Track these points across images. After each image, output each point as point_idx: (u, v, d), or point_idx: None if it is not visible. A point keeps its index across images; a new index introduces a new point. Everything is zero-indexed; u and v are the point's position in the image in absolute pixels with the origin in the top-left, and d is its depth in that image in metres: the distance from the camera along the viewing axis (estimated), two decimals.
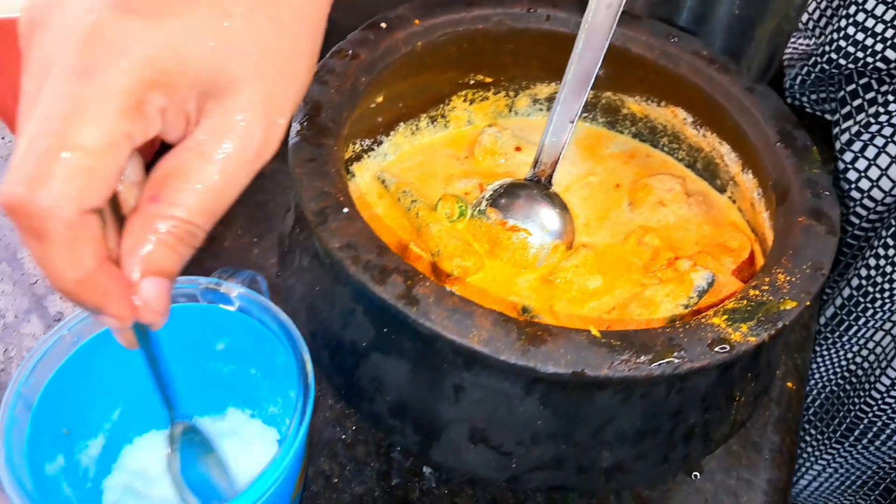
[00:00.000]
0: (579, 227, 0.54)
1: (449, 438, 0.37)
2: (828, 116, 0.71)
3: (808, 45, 0.71)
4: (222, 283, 0.38)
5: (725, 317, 0.35)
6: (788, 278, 0.37)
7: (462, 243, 0.50)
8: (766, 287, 0.36)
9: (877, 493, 0.72)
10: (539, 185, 0.52)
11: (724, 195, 0.55)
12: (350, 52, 0.47)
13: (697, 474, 0.49)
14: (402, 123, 0.57)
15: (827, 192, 0.42)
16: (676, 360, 0.32)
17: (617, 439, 0.36)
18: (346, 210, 0.36)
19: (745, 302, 0.36)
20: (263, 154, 0.29)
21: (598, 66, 0.51)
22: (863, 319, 0.65)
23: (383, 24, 0.50)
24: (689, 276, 0.46)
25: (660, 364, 0.32)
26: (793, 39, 0.73)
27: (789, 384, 0.54)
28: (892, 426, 0.65)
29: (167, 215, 0.28)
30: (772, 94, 0.49)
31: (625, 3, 0.48)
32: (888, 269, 0.61)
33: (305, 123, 0.41)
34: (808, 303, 0.36)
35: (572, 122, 0.52)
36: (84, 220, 0.26)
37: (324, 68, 0.45)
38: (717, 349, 0.33)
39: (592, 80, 0.51)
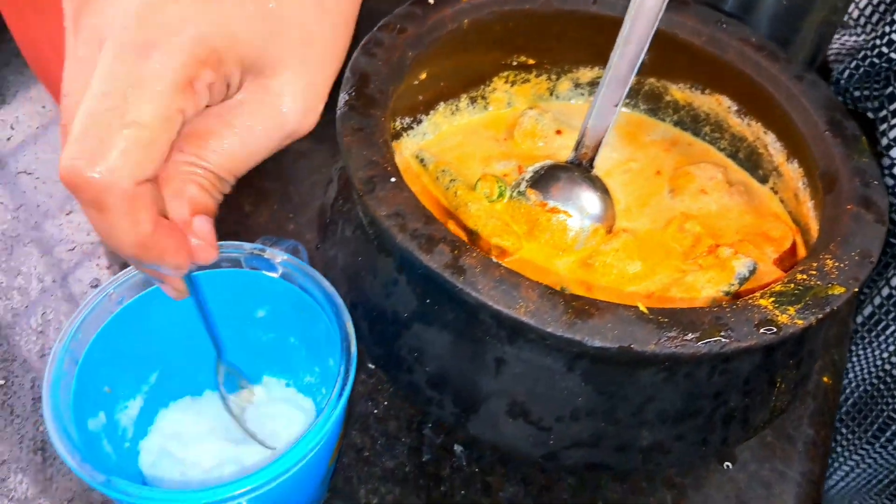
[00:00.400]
0: (620, 212, 0.53)
1: (487, 412, 0.37)
2: (870, 115, 0.70)
3: (854, 41, 0.70)
4: (267, 249, 0.39)
5: (773, 299, 0.34)
6: (836, 264, 0.37)
7: (501, 223, 0.50)
8: (814, 272, 0.36)
9: None
10: (580, 168, 0.52)
11: (765, 186, 0.54)
12: (397, 26, 0.47)
13: (730, 464, 0.48)
14: (442, 103, 0.57)
15: (876, 182, 0.42)
16: (724, 339, 0.32)
17: (657, 419, 0.36)
18: (393, 179, 0.36)
19: (792, 286, 0.35)
20: (294, 135, 0.31)
21: (645, 50, 0.50)
22: None
23: (431, 0, 0.50)
24: (730, 263, 0.46)
25: (707, 342, 0.32)
26: (837, 35, 0.72)
27: (825, 379, 0.54)
28: None
29: (198, 164, 0.30)
30: (821, 83, 0.48)
31: None
32: None
33: (353, 94, 0.41)
34: (856, 289, 0.35)
35: (617, 105, 0.52)
36: (140, 189, 0.27)
37: (371, 41, 0.45)
38: (763, 330, 0.33)
39: (639, 64, 0.51)
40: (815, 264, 0.37)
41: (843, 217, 0.40)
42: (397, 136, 0.55)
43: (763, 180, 0.54)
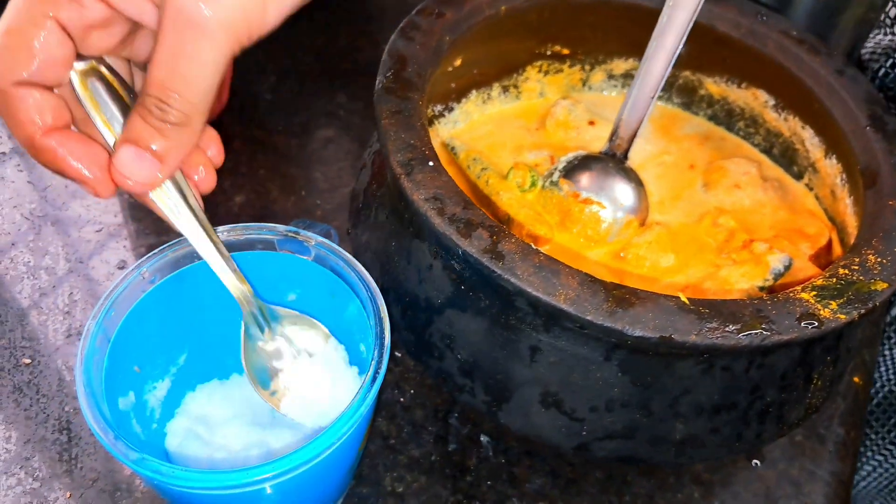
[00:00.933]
0: (653, 204, 0.53)
1: (520, 400, 0.37)
2: None
3: (889, 40, 0.69)
4: (300, 231, 0.38)
5: (814, 293, 0.34)
6: (879, 259, 0.36)
7: (533, 212, 0.50)
8: (857, 267, 0.35)
9: None
10: (614, 159, 0.52)
11: (800, 182, 0.53)
12: (436, 10, 0.46)
13: (758, 462, 0.48)
14: (474, 91, 0.57)
15: None
16: (765, 332, 0.31)
17: (693, 411, 0.35)
18: (431, 163, 0.36)
19: (834, 280, 0.35)
20: (205, 29, 0.29)
21: (683, 41, 0.50)
22: None
23: None
24: (765, 258, 0.45)
25: (748, 334, 0.31)
26: (872, 34, 0.71)
27: (856, 379, 0.53)
28: None
29: (142, 94, 0.31)
30: (862, 78, 0.47)
31: None
32: None
33: (391, 76, 0.41)
34: None
35: (653, 98, 0.51)
36: (18, 91, 0.30)
37: (409, 24, 0.45)
38: (805, 323, 0.32)
39: (676, 55, 0.50)
40: (857, 259, 0.36)
41: (886, 212, 0.39)
42: (429, 123, 0.55)
43: (798, 177, 0.53)
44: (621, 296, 0.32)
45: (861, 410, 0.52)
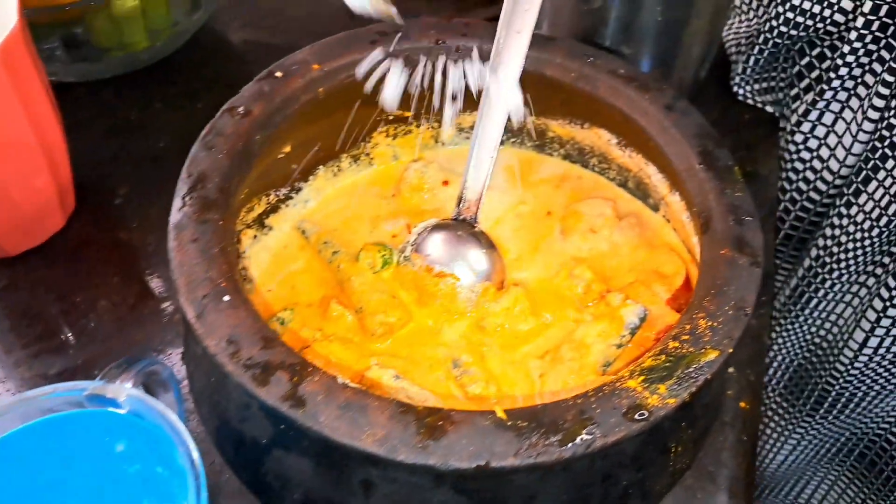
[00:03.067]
0: (511, 262, 0.51)
1: None
2: (769, 108, 0.69)
3: (747, 26, 0.68)
4: (109, 385, 0.36)
5: (642, 378, 0.32)
6: (710, 323, 0.35)
7: (386, 297, 0.48)
8: (687, 336, 0.34)
9: (851, 459, 0.71)
10: (464, 224, 0.50)
11: (658, 213, 0.52)
12: (242, 108, 0.44)
13: None
14: (321, 167, 0.55)
15: (749, 217, 0.40)
16: (589, 437, 0.30)
17: None
18: (227, 297, 0.34)
19: (663, 357, 0.33)
20: None
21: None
22: (822, 291, 0.64)
23: (279, 74, 0.47)
24: (619, 312, 0.44)
25: (570, 445, 0.30)
26: (729, 24, 0.70)
27: (743, 404, 0.52)
28: (859, 395, 0.64)
29: None
30: (692, 111, 0.46)
31: (544, 24, 0.46)
32: (843, 238, 0.60)
33: (188, 199, 0.38)
34: (730, 349, 0.33)
35: (492, 157, 0.49)
36: None
37: (212, 131, 0.42)
38: (635, 416, 0.31)
39: (507, 112, 0.49)
40: (688, 326, 0.35)
41: (718, 263, 0.38)
42: (275, 209, 0.52)
43: (655, 208, 0.52)
44: (434, 423, 0.30)
45: (752, 437, 0.51)
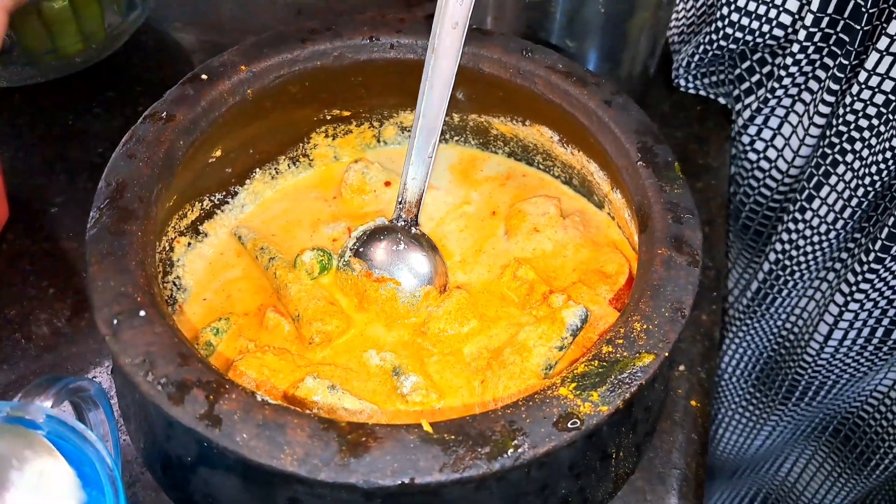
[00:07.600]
0: (455, 265, 0.50)
1: None
2: (721, 100, 0.69)
3: (686, 16, 0.68)
4: (27, 406, 0.34)
5: (574, 385, 0.31)
6: (645, 326, 0.34)
7: (324, 304, 0.46)
8: (621, 340, 0.33)
9: (826, 435, 0.73)
10: (404, 228, 0.49)
11: (602, 211, 0.51)
12: (164, 114, 0.42)
13: None
14: (258, 169, 0.53)
15: (689, 215, 0.39)
16: (518, 450, 0.29)
17: None
18: (143, 313, 0.32)
19: (596, 363, 0.32)
20: None
21: (449, 93, 0.47)
22: (785, 291, 0.65)
23: (204, 76, 0.45)
24: (560, 314, 0.43)
25: (499, 458, 0.28)
26: (673, 16, 0.70)
27: (693, 402, 0.51)
28: (829, 384, 0.66)
29: None
30: (632, 106, 0.45)
31: (487, 18, 0.45)
32: (800, 242, 0.60)
33: (105, 209, 0.37)
34: (666, 353, 0.32)
35: (430, 157, 0.48)
36: None
37: (132, 138, 0.41)
38: (567, 425, 0.30)
39: (445, 109, 0.47)
40: (622, 330, 0.34)
41: (656, 263, 0.37)
42: (210, 215, 0.51)
43: (600, 206, 0.52)
44: (356, 440, 0.29)
45: (703, 436, 0.50)
